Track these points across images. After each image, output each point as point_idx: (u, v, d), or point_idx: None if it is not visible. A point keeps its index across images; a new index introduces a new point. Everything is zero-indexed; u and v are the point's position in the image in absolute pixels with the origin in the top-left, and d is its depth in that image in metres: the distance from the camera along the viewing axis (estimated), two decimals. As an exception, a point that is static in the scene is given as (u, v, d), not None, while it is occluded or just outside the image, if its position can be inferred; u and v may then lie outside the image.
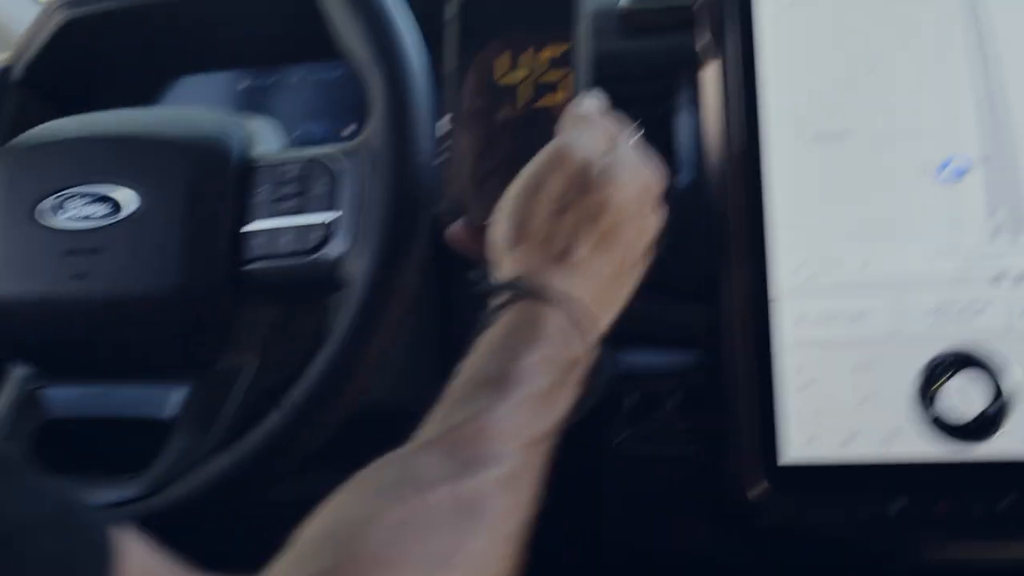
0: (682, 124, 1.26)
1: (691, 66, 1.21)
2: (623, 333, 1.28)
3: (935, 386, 1.10)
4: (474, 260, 1.01)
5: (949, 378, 1.09)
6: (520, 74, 1.02)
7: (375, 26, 1.09)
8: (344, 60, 1.12)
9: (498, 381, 0.86)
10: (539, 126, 1.00)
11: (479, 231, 0.99)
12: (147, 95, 1.64)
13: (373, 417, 0.92)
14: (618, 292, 0.98)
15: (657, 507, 1.33)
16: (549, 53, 1.01)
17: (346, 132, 1.48)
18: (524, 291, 0.91)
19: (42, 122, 1.32)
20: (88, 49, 1.59)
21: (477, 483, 0.80)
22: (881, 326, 1.11)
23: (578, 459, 1.37)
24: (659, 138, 1.27)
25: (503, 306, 0.92)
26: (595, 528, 1.36)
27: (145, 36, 1.60)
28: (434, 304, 1.26)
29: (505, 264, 0.94)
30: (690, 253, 1.25)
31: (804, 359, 1.12)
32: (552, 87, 1.01)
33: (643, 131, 1.25)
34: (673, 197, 1.25)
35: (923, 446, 1.08)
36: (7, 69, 1.60)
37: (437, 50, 1.07)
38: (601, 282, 0.95)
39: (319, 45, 1.15)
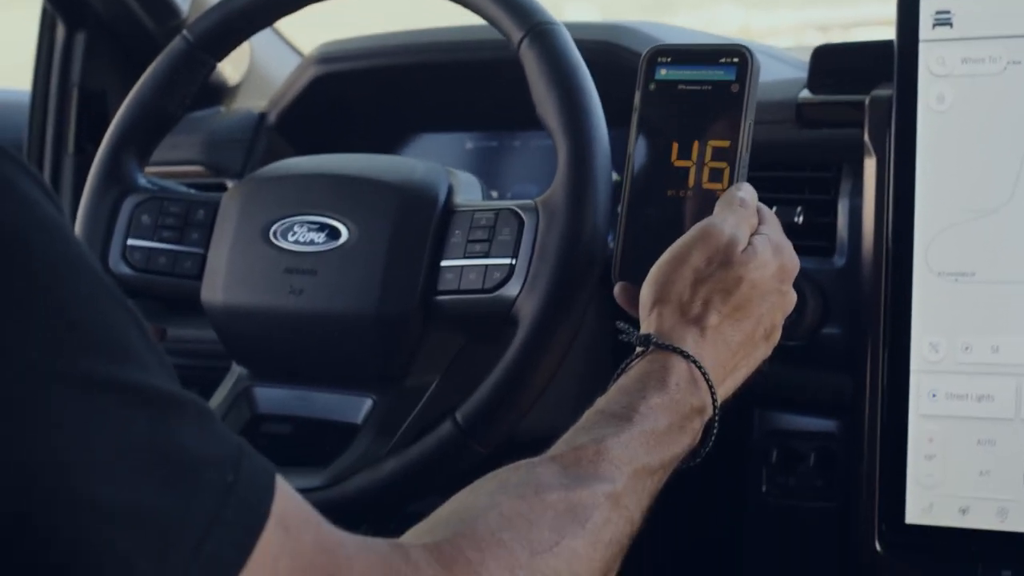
0: (843, 210, 1.38)
1: (857, 158, 1.35)
2: (775, 396, 1.43)
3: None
4: (632, 316, 1.16)
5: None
6: (692, 159, 1.16)
7: (567, 101, 1.23)
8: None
9: (621, 416, 1.00)
10: (705, 205, 1.14)
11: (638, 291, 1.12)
12: (384, 148, 1.82)
13: (532, 445, 1.05)
14: (745, 358, 1.09)
15: (792, 554, 1.46)
16: (714, 144, 1.15)
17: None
18: (657, 345, 1.04)
19: (288, 159, 1.51)
20: (333, 102, 1.78)
21: (587, 494, 0.93)
22: (1004, 408, 1.22)
23: (726, 503, 1.51)
24: (823, 222, 1.41)
25: (639, 356, 1.05)
26: (735, 569, 1.49)
27: (385, 94, 1.79)
28: (607, 349, 1.41)
29: (646, 321, 1.08)
30: (838, 328, 1.39)
31: (933, 431, 1.22)
32: (719, 174, 1.16)
33: (804, 214, 1.39)
34: (829, 276, 1.39)
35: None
36: (263, 115, 1.81)
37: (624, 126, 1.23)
38: (729, 348, 1.07)
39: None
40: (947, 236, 1.23)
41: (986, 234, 1.22)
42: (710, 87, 1.16)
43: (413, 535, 0.88)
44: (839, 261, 1.37)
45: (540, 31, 1.27)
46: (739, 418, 1.43)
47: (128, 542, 0.68)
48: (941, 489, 1.22)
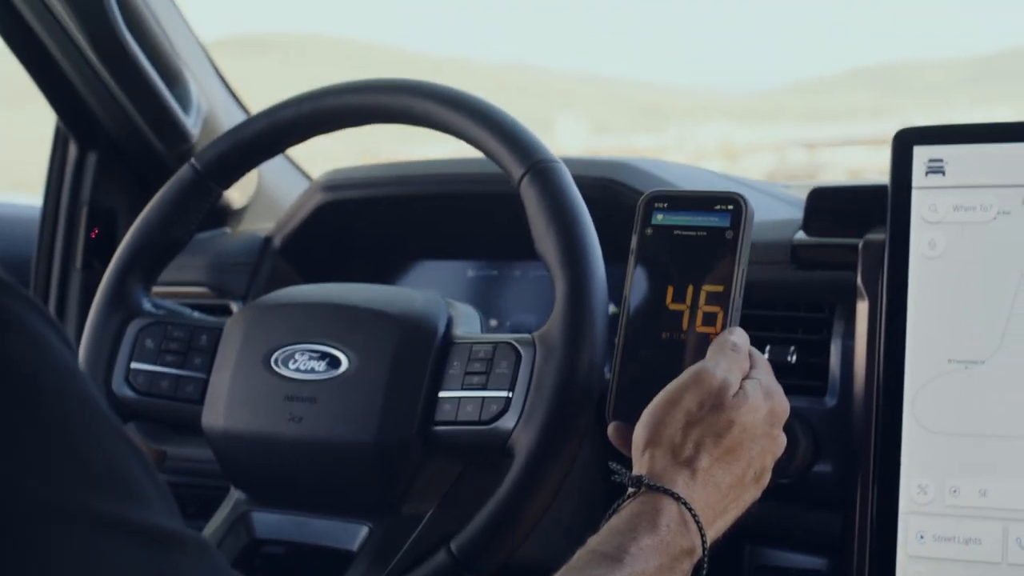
0: (835, 351, 1.40)
1: (850, 299, 1.36)
2: (765, 532, 1.44)
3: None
4: (626, 455, 1.17)
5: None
6: (686, 303, 1.18)
7: (566, 238, 1.26)
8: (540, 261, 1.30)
9: (612, 556, 1.01)
10: (698, 349, 1.16)
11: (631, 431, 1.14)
12: (387, 274, 1.85)
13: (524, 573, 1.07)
14: (735, 500, 1.11)
15: None
16: (708, 289, 1.17)
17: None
18: (649, 487, 1.06)
19: (292, 285, 1.53)
20: (338, 228, 1.81)
21: None
22: (991, 552, 1.22)
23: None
24: (815, 361, 1.42)
25: (631, 497, 1.07)
26: None
27: (389, 222, 1.82)
28: (601, 486, 1.42)
29: (639, 462, 1.10)
30: (829, 467, 1.40)
31: (921, 572, 1.21)
32: (712, 318, 1.18)
33: (798, 353, 1.41)
34: (820, 416, 1.40)
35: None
36: (268, 239, 1.84)
37: (622, 262, 1.25)
38: (720, 490, 1.09)
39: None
40: (935, 387, 1.24)
41: (973, 386, 1.23)
42: (705, 233, 1.19)
43: None
44: (831, 401, 1.39)
45: (540, 169, 1.30)
46: (729, 554, 1.44)
47: None
48: (929, 632, 1.22)
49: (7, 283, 0.73)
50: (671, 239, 1.20)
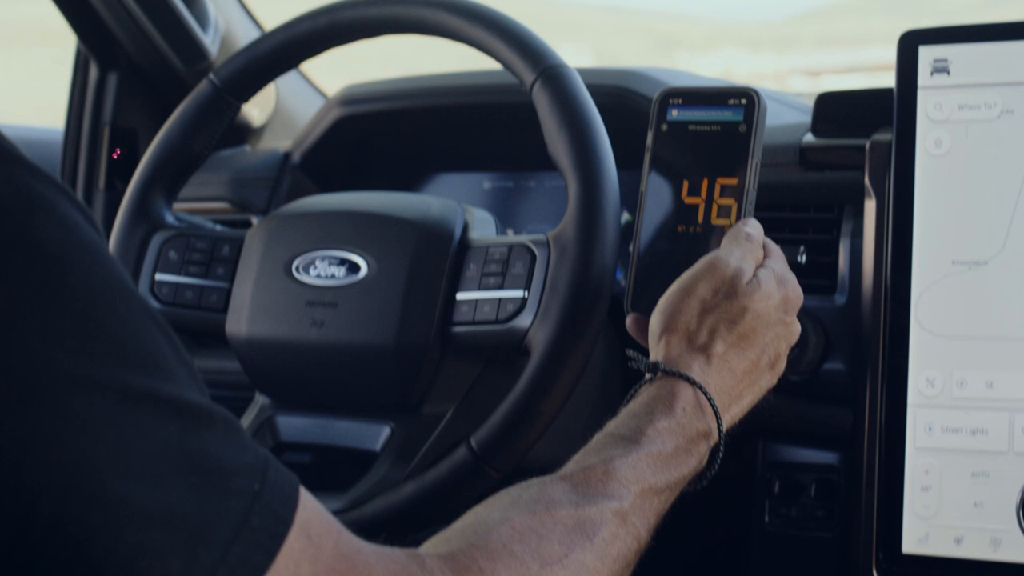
0: (844, 250, 1.42)
1: (858, 199, 1.38)
2: (778, 429, 1.46)
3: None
4: (641, 344, 1.19)
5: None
6: (701, 196, 1.21)
7: (577, 139, 1.27)
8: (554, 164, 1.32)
9: (629, 438, 1.04)
10: (714, 240, 1.19)
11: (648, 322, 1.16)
12: (405, 187, 1.85)
13: (544, 473, 1.09)
14: (751, 386, 1.14)
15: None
16: (723, 182, 1.20)
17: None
18: (665, 372, 1.09)
19: (311, 199, 1.55)
20: (356, 142, 1.82)
21: (595, 511, 0.98)
22: (998, 441, 1.25)
23: (730, 533, 1.54)
24: (824, 261, 1.45)
25: (648, 382, 1.10)
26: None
27: (405, 135, 1.84)
28: (616, 384, 1.45)
29: (655, 349, 1.12)
30: (840, 364, 1.41)
31: (929, 463, 1.25)
32: (727, 210, 1.20)
33: (807, 253, 1.43)
34: (830, 314, 1.43)
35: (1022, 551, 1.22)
36: (288, 155, 1.86)
37: (633, 168, 1.27)
38: (735, 375, 1.11)
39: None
40: (941, 287, 1.26)
41: (977, 288, 1.25)
42: (719, 127, 1.21)
43: (430, 545, 0.93)
44: (840, 299, 1.42)
45: (551, 73, 1.31)
46: (744, 450, 1.46)
47: (161, 542, 0.72)
48: (936, 520, 1.25)
49: (36, 168, 0.75)
50: (686, 134, 1.23)
